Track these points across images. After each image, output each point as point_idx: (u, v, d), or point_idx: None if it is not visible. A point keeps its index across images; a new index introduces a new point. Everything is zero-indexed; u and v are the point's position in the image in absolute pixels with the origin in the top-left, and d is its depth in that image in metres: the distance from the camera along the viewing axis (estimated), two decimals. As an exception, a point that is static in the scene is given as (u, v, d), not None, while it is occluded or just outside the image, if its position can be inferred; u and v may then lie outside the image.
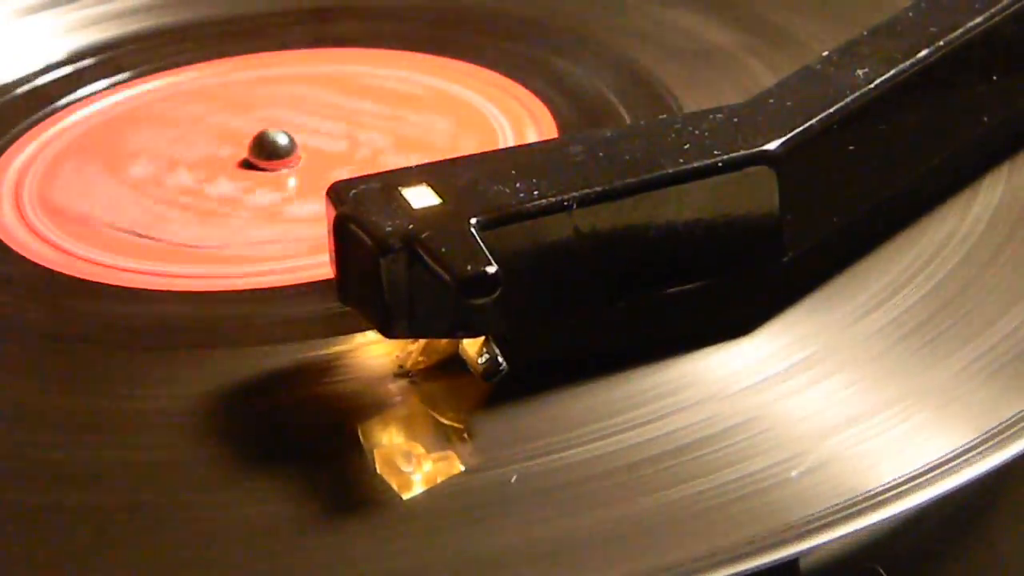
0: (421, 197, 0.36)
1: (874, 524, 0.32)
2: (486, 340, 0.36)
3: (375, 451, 0.34)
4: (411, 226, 0.34)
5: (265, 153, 0.46)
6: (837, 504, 0.33)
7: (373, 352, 0.37)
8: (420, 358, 0.37)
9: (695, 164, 0.36)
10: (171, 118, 0.50)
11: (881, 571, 0.36)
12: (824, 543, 0.32)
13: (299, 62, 0.53)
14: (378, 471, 0.34)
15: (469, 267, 0.33)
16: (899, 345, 0.37)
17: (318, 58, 0.53)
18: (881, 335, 0.38)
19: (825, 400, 0.36)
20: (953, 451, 0.34)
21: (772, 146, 0.37)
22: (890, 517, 0.32)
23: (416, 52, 0.52)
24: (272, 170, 0.46)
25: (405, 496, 0.33)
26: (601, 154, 0.37)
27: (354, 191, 0.36)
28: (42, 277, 0.42)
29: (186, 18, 0.55)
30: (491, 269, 0.33)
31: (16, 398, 0.38)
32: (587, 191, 0.36)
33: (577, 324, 0.37)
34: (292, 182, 0.46)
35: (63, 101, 0.51)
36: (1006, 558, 0.39)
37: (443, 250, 0.34)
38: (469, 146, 0.47)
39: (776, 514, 0.33)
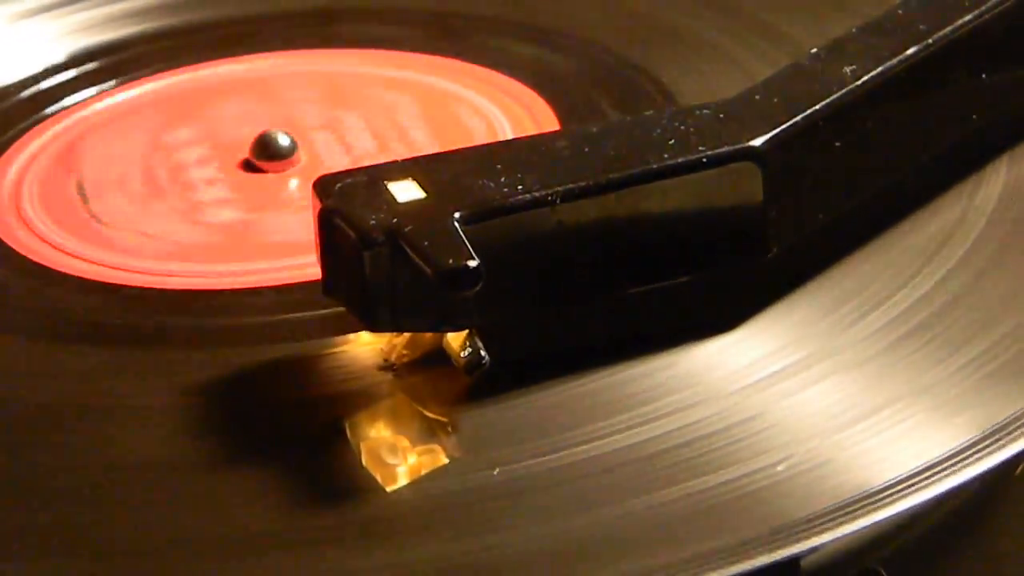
0: (406, 191, 0.36)
1: (873, 524, 0.32)
2: (469, 334, 0.36)
3: (360, 444, 0.35)
4: (395, 220, 0.35)
5: (267, 154, 0.46)
6: (835, 505, 0.33)
7: (358, 346, 0.37)
8: (405, 351, 0.37)
9: (680, 160, 0.36)
10: (171, 120, 0.50)
11: (881, 571, 0.36)
12: (822, 544, 0.32)
13: (300, 63, 0.53)
14: (363, 464, 0.34)
15: (451, 261, 0.33)
16: (886, 342, 0.37)
17: (320, 59, 0.53)
18: (871, 333, 0.37)
19: (814, 399, 0.36)
20: (952, 451, 0.34)
21: (757, 142, 0.37)
22: (889, 517, 0.32)
23: (417, 52, 0.52)
24: (273, 171, 0.46)
25: (389, 488, 0.34)
26: (586, 149, 0.37)
27: (340, 185, 0.36)
28: (39, 275, 0.42)
29: (187, 20, 0.55)
30: (472, 263, 0.33)
31: (9, 395, 0.38)
32: (571, 186, 0.36)
33: (560, 319, 0.37)
34: (293, 183, 0.46)
35: (63, 103, 0.51)
36: (1006, 558, 0.39)
37: (425, 244, 0.34)
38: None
39: (773, 515, 0.32)
